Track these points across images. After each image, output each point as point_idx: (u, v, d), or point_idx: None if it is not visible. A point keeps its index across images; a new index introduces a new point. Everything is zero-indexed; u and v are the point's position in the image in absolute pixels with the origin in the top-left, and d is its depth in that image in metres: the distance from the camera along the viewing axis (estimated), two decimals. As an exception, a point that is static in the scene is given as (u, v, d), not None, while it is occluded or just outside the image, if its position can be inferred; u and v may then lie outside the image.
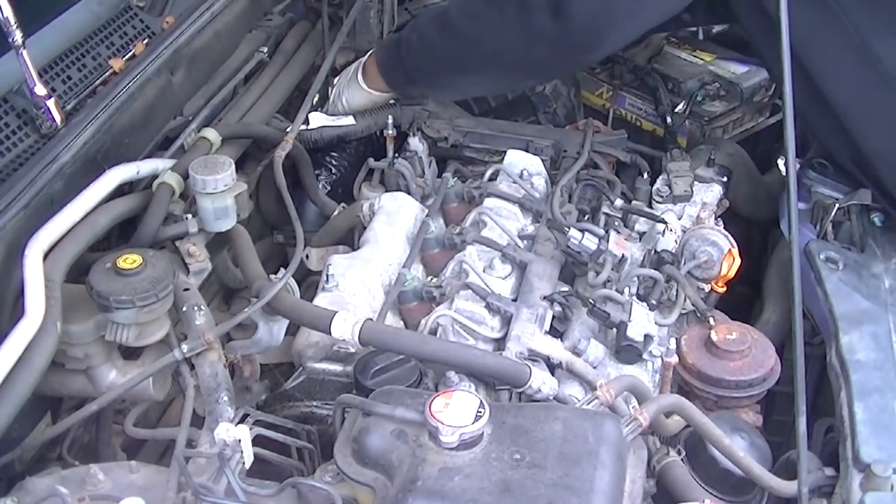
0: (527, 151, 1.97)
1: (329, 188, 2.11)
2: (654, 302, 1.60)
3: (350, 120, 2.07)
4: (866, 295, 1.58)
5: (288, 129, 1.92)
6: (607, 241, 1.62)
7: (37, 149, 1.58)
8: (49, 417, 1.44)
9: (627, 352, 1.49)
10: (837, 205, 1.76)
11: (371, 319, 1.45)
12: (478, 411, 1.13)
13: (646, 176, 1.96)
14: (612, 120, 2.32)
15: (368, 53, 2.04)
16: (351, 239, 1.91)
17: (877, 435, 1.33)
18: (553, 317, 1.59)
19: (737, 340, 1.52)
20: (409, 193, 1.90)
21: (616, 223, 1.77)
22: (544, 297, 1.59)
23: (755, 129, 2.26)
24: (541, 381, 1.40)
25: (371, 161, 2.07)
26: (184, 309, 1.46)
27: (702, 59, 2.28)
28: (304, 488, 1.19)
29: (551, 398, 1.41)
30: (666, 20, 1.74)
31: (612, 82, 2.31)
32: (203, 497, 1.13)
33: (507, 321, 1.56)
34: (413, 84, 1.99)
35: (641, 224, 1.79)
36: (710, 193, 1.90)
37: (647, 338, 1.50)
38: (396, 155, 2.00)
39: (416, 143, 1.97)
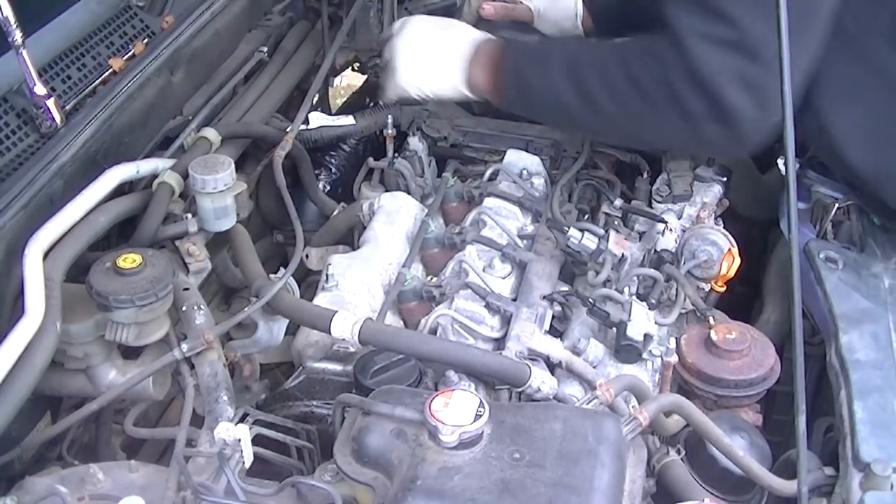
0: (527, 151, 1.97)
1: (329, 188, 2.11)
2: (653, 301, 1.60)
3: (350, 120, 2.07)
4: (866, 294, 1.58)
5: (288, 129, 1.92)
6: (607, 241, 1.62)
7: (36, 148, 1.58)
8: (49, 417, 1.44)
9: (627, 351, 1.49)
10: (837, 204, 1.76)
11: (371, 319, 1.45)
12: (477, 411, 1.13)
13: (645, 175, 1.96)
14: (612, 119, 2.31)
15: (483, 52, 1.73)
16: (351, 238, 1.91)
17: (876, 434, 1.33)
18: (553, 316, 1.59)
19: (736, 340, 1.52)
20: (408, 193, 1.90)
21: (616, 223, 1.78)
22: (544, 297, 1.59)
23: (755, 129, 2.25)
24: (540, 380, 1.40)
25: (371, 161, 2.07)
26: (183, 308, 1.46)
27: (702, 58, 2.27)
28: (304, 487, 1.19)
29: (551, 397, 1.41)
30: None
31: (612, 82, 2.30)
32: (203, 496, 1.13)
33: (506, 321, 1.56)
34: (523, 112, 1.87)
35: (641, 224, 1.79)
36: (710, 193, 1.90)
37: (647, 337, 1.49)
38: (396, 154, 2.00)
39: (415, 142, 1.97)
